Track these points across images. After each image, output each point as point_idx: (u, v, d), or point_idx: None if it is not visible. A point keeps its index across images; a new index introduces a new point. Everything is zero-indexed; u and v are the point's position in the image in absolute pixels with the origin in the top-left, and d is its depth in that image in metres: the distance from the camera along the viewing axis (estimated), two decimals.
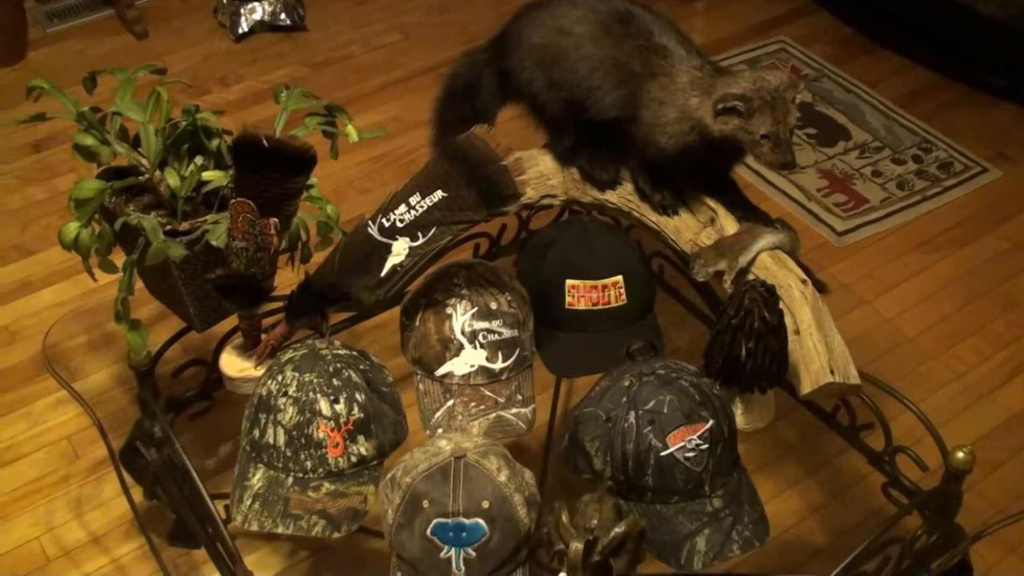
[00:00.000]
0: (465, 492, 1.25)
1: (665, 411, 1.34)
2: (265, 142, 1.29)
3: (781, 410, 1.72)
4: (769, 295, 1.39)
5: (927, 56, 3.10)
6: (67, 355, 2.24)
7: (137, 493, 1.70)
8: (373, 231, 1.42)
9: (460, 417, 1.46)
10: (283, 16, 3.25)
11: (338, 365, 1.41)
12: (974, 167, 2.76)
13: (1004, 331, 2.33)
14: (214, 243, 1.42)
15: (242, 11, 3.21)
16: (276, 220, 1.37)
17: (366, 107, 3.01)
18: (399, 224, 1.41)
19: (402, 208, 1.41)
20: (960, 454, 1.47)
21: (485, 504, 1.25)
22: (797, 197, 2.65)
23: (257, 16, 3.22)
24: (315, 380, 1.38)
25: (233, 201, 1.36)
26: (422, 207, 1.41)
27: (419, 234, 1.41)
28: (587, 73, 1.61)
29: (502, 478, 1.27)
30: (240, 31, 3.22)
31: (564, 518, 1.24)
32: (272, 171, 1.33)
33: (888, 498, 1.69)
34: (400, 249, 1.41)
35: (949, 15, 3.00)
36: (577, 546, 1.19)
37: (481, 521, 1.25)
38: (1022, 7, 2.85)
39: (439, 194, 1.40)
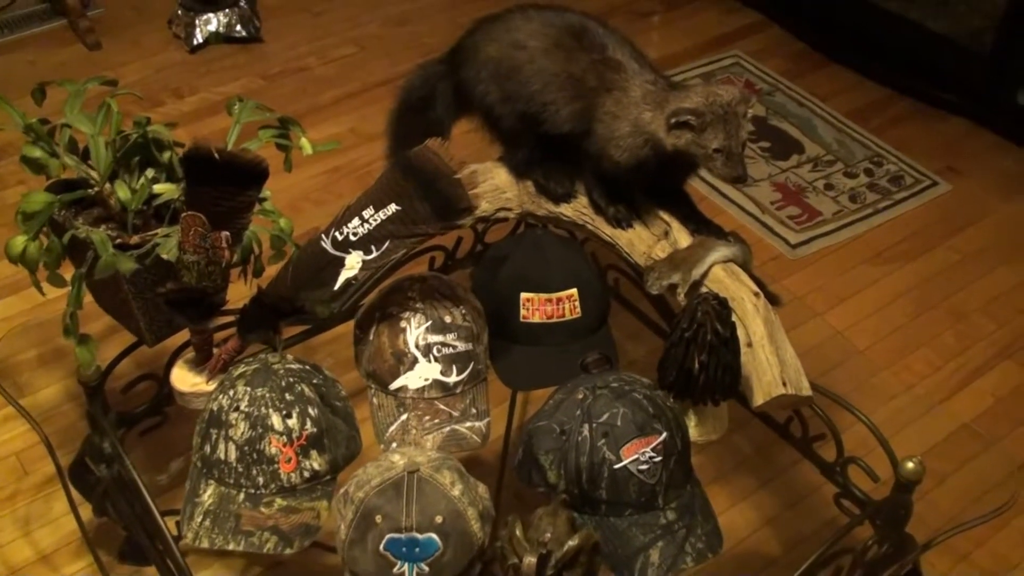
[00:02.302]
0: (418, 507, 1.25)
1: (619, 424, 1.34)
2: (216, 155, 1.27)
3: (736, 422, 1.73)
4: (722, 308, 1.40)
5: (878, 71, 3.15)
6: (16, 370, 2.20)
7: (87, 510, 1.68)
8: (326, 245, 1.41)
9: (414, 431, 1.45)
10: (239, 28, 3.23)
11: (291, 379, 1.39)
12: (924, 180, 2.80)
13: (953, 342, 2.36)
14: (165, 257, 1.41)
15: (197, 22, 3.18)
16: (228, 233, 1.36)
17: (322, 119, 3.00)
18: (352, 238, 1.41)
19: (355, 222, 1.40)
20: (910, 464, 1.49)
21: (438, 519, 1.25)
22: (751, 210, 2.67)
23: (212, 27, 3.20)
24: (267, 395, 1.37)
25: (184, 214, 1.35)
26: (375, 221, 1.40)
27: (373, 248, 1.41)
28: (541, 87, 1.62)
29: (456, 492, 1.27)
30: (195, 42, 3.20)
31: (518, 532, 1.23)
32: (223, 184, 1.32)
33: (840, 508, 1.71)
34: (353, 263, 1.40)
35: (900, 31, 3.06)
36: (530, 560, 1.18)
37: (434, 536, 1.24)
38: (971, 24, 2.90)
39: (392, 207, 1.40)
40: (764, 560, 1.90)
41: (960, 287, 2.50)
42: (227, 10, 3.20)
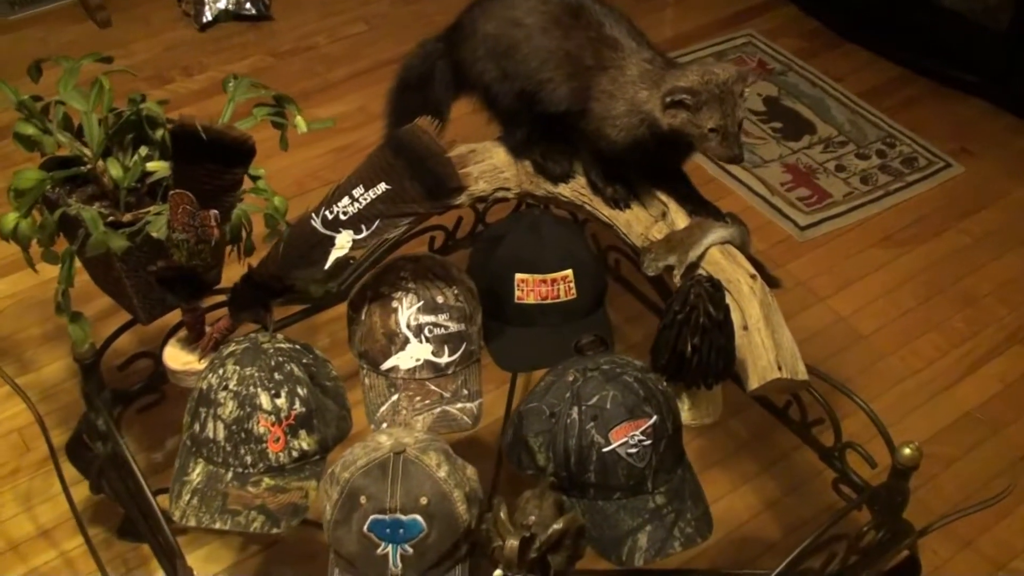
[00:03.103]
0: (403, 488, 1.24)
1: (608, 407, 1.33)
2: (202, 132, 1.26)
3: (737, 405, 1.72)
4: (714, 290, 1.38)
5: (893, 51, 3.10)
6: (21, 346, 2.22)
7: (84, 488, 1.69)
8: (316, 223, 1.40)
9: (404, 411, 1.45)
10: (248, 5, 3.22)
11: (280, 359, 1.39)
12: (938, 162, 2.76)
13: (962, 327, 2.33)
14: (155, 235, 1.40)
15: (206, 0, 3.17)
16: (216, 212, 1.35)
17: (331, 98, 2.99)
18: (342, 217, 1.40)
19: (345, 200, 1.39)
20: (907, 450, 1.47)
21: (423, 500, 1.24)
22: (760, 191, 2.64)
23: (221, 5, 3.19)
24: (256, 374, 1.37)
25: (172, 192, 1.34)
26: (365, 200, 1.39)
27: (363, 227, 1.40)
28: (538, 65, 1.60)
29: (442, 474, 1.26)
30: (204, 20, 3.19)
31: (502, 514, 1.23)
32: (210, 162, 1.31)
33: (839, 494, 1.69)
34: (344, 242, 1.39)
35: (914, 9, 3.01)
36: (512, 543, 1.18)
37: (419, 517, 1.24)
38: (987, 1, 2.85)
39: (382, 187, 1.39)
40: (763, 544, 1.89)
41: (971, 271, 2.47)
42: None
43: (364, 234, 1.40)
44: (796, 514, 1.93)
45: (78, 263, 1.51)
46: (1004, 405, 2.17)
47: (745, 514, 1.94)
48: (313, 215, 1.41)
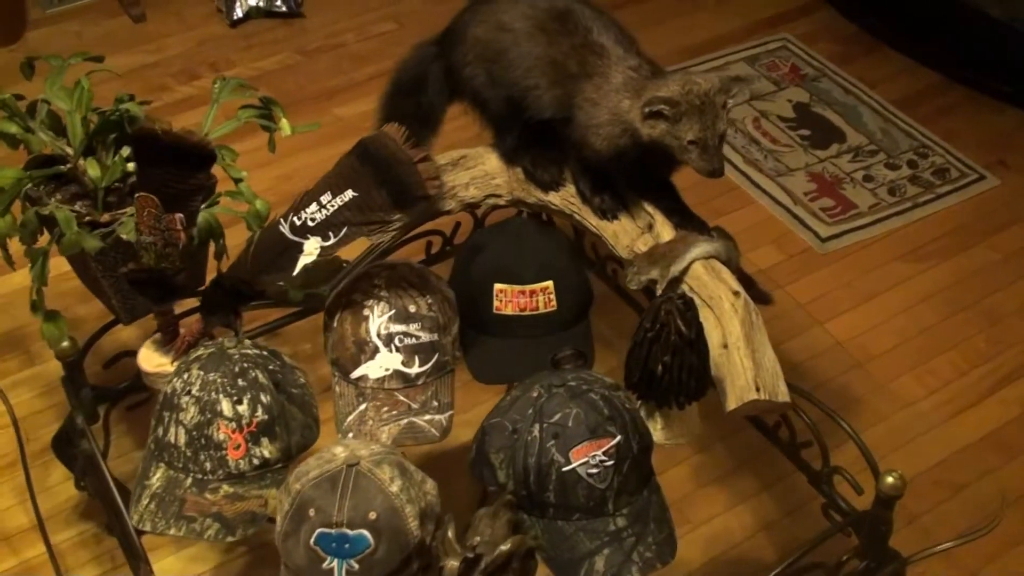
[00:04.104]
0: (352, 502, 1.22)
1: (570, 425, 1.29)
2: (162, 136, 1.26)
3: (738, 423, 1.67)
4: (686, 308, 1.34)
5: (932, 57, 3.00)
6: (29, 339, 2.24)
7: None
8: (285, 229, 1.39)
9: (371, 422, 1.43)
10: (279, 2, 3.22)
11: (245, 365, 1.38)
12: (971, 174, 2.67)
13: (984, 347, 2.25)
14: (125, 237, 1.40)
15: None
16: (181, 216, 1.35)
17: (356, 96, 2.98)
18: (310, 223, 1.38)
19: (313, 207, 1.38)
20: (889, 479, 1.41)
21: (372, 515, 1.22)
22: (783, 200, 2.58)
23: (252, 1, 3.20)
24: (219, 380, 1.36)
25: (137, 196, 1.34)
26: (333, 206, 1.37)
27: (330, 234, 1.38)
28: (523, 72, 1.57)
29: (394, 488, 1.24)
30: (235, 16, 3.20)
31: (450, 533, 1.20)
32: (171, 166, 1.30)
33: (828, 519, 1.64)
34: (311, 248, 1.38)
35: (956, 16, 2.91)
36: (452, 564, 1.15)
37: (366, 532, 1.21)
38: None
39: (349, 193, 1.37)
40: (757, 566, 1.84)
41: (997, 288, 2.38)
42: None
43: (332, 241, 1.38)
44: (792, 537, 1.88)
45: (63, 261, 1.52)
46: (1022, 430, 2.08)
47: (740, 534, 1.89)
48: (281, 221, 1.40)
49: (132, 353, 1.71)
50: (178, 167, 1.32)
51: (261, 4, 3.21)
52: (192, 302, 1.58)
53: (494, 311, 1.56)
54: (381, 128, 1.39)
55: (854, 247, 2.48)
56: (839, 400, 2.07)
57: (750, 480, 1.96)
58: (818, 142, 2.76)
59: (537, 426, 1.30)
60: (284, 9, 3.23)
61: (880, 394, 2.14)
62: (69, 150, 1.52)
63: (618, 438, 1.30)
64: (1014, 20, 2.81)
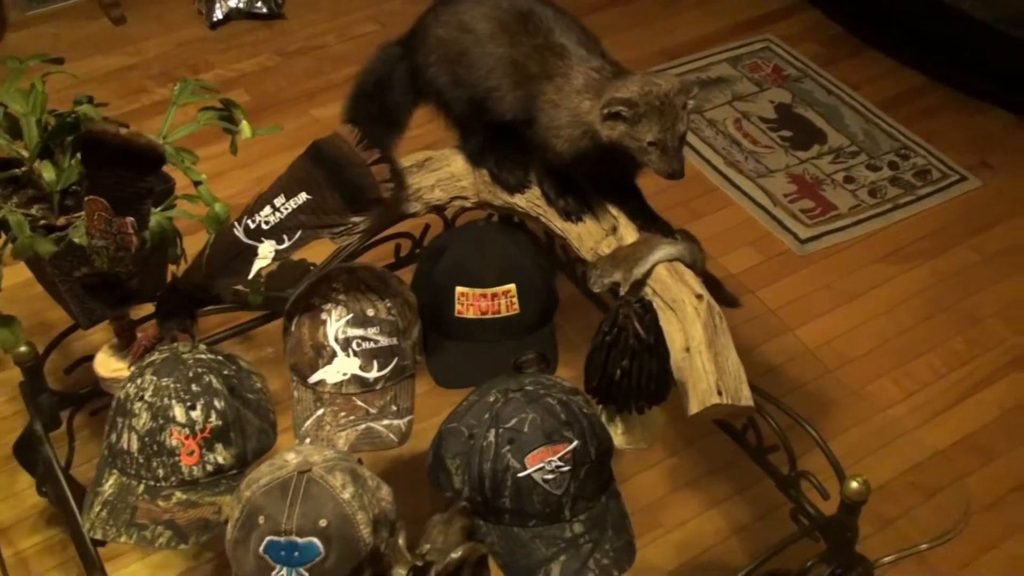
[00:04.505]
0: (302, 509, 1.20)
1: (526, 430, 1.27)
2: (110, 138, 1.24)
3: (709, 426, 1.65)
4: (644, 312, 1.32)
5: (915, 58, 2.99)
6: None
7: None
8: (239, 233, 1.37)
9: (328, 427, 1.41)
10: (259, 3, 3.21)
11: (199, 370, 1.36)
12: (952, 175, 2.65)
13: (963, 349, 2.23)
14: (77, 241, 1.38)
15: None
16: (132, 219, 1.33)
17: (335, 97, 2.90)
18: (264, 226, 1.37)
19: (267, 210, 1.36)
20: (854, 484, 1.40)
21: (322, 523, 1.20)
22: (762, 202, 2.56)
23: (233, 3, 3.18)
24: (172, 385, 1.34)
25: (86, 199, 1.32)
26: (287, 209, 1.36)
27: (285, 237, 1.36)
28: (485, 73, 1.55)
29: (345, 495, 1.22)
30: (215, 18, 3.18)
31: (400, 540, 1.18)
32: (121, 169, 1.28)
33: (797, 524, 1.61)
34: (266, 252, 1.36)
35: (937, 16, 2.89)
36: (400, 572, 1.13)
37: (316, 540, 1.19)
38: (1009, 8, 2.73)
39: (303, 196, 1.35)
40: (728, 570, 1.82)
41: (977, 290, 2.36)
42: None
43: (286, 244, 1.36)
44: (765, 541, 1.84)
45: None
46: (999, 433, 2.07)
47: (713, 538, 1.87)
48: (236, 224, 1.38)
49: (92, 358, 1.70)
50: (128, 169, 1.30)
51: (241, 6, 3.20)
52: (150, 307, 1.56)
53: (456, 315, 1.54)
54: (334, 130, 1.36)
55: (833, 249, 2.46)
56: (814, 404, 2.06)
57: (723, 484, 1.94)
58: (799, 143, 2.74)
59: (493, 431, 1.28)
60: (264, 11, 3.22)
61: (857, 397, 2.12)
62: (25, 153, 1.51)
63: (575, 443, 1.28)
64: (997, 20, 2.79)
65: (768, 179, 2.63)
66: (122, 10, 3.25)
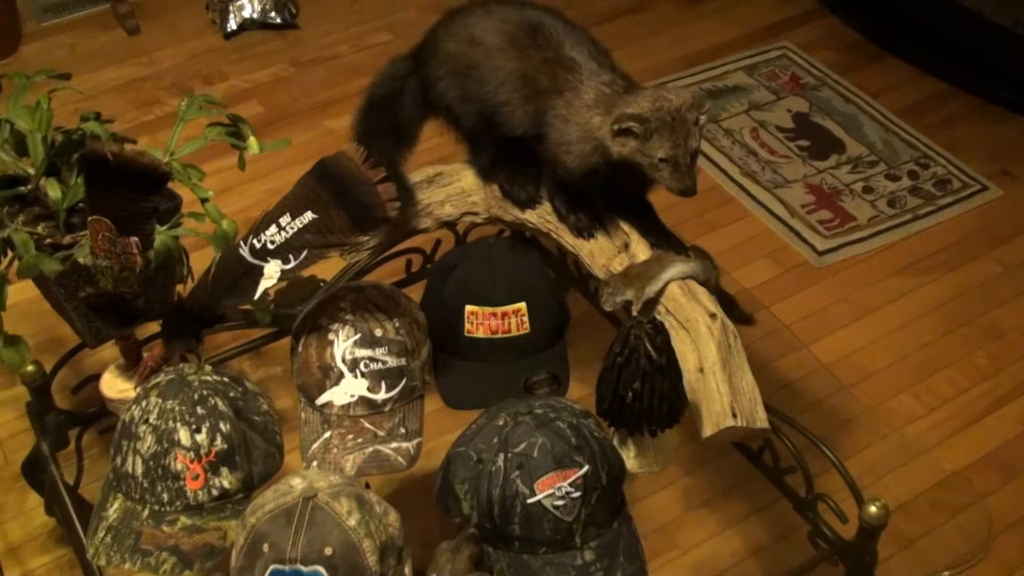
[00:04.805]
0: (307, 537, 1.18)
1: (535, 455, 1.25)
2: (111, 159, 1.22)
3: (727, 445, 1.61)
4: (656, 332, 1.30)
5: (934, 65, 2.94)
6: None
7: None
8: (244, 252, 1.35)
9: (336, 450, 1.38)
10: (273, 14, 3.20)
11: (204, 392, 1.34)
12: (973, 185, 2.61)
13: (985, 363, 2.19)
14: (81, 261, 1.36)
15: (231, 8, 3.16)
16: (137, 239, 1.31)
17: (349, 108, 2.86)
18: (270, 246, 1.34)
19: (272, 229, 1.34)
20: (873, 508, 1.36)
21: (328, 551, 1.17)
22: (779, 213, 2.52)
23: (247, 13, 3.17)
24: (177, 408, 1.32)
25: (90, 219, 1.30)
26: (292, 229, 1.33)
27: (291, 257, 1.34)
28: (495, 87, 1.52)
29: (351, 522, 1.20)
30: (229, 28, 3.17)
31: (407, 569, 1.16)
32: (124, 189, 1.26)
33: (815, 547, 1.58)
34: (272, 272, 1.34)
35: (956, 22, 2.85)
36: None
37: (321, 569, 1.17)
38: None
39: (309, 216, 1.33)
40: None
41: (999, 303, 2.32)
42: None
43: (292, 264, 1.34)
44: (782, 562, 1.82)
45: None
46: (1023, 451, 2.02)
47: (729, 559, 1.84)
48: (241, 243, 1.36)
49: (99, 377, 1.68)
50: (131, 189, 1.28)
51: (255, 16, 3.18)
52: (156, 326, 1.54)
53: (465, 334, 1.52)
54: (340, 148, 1.34)
55: (851, 261, 2.43)
56: (831, 422, 2.02)
57: (739, 504, 1.91)
58: (817, 153, 2.71)
59: (502, 456, 1.26)
60: (279, 21, 3.21)
61: (875, 414, 2.08)
62: (31, 170, 1.49)
63: (585, 468, 1.26)
64: (1018, 26, 2.75)
65: (785, 189, 2.59)
66: (136, 21, 3.24)
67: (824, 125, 2.79)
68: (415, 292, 1.88)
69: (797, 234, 2.47)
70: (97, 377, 1.68)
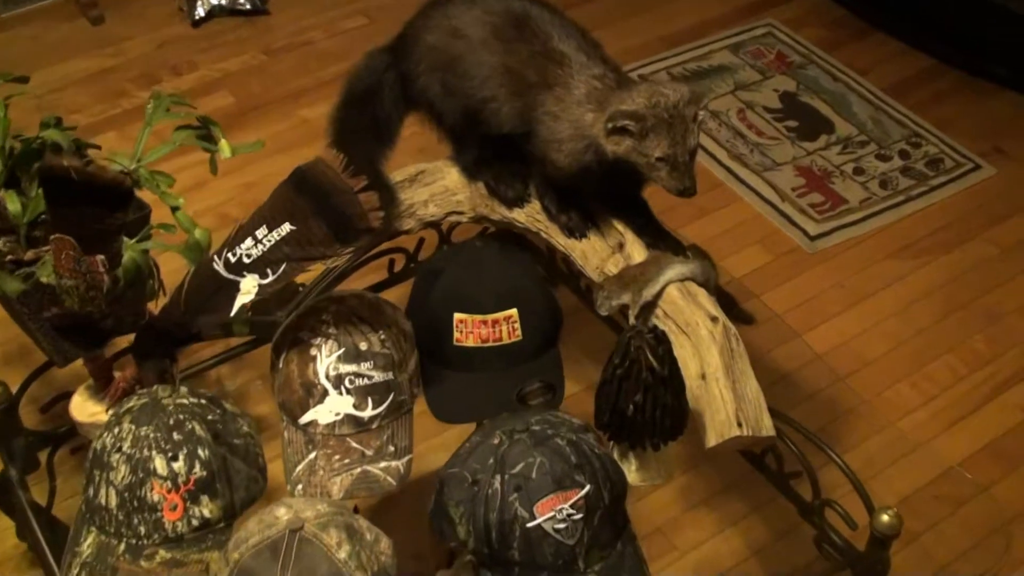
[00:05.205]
0: (295, 572, 1.11)
1: (534, 476, 1.18)
2: (73, 175, 1.14)
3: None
4: (657, 343, 1.23)
5: (923, 40, 2.88)
6: None
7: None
8: (219, 267, 1.27)
9: (322, 472, 1.31)
10: (242, 0, 3.09)
11: (180, 416, 1.26)
12: (966, 164, 2.55)
13: (983, 348, 2.14)
14: (44, 280, 1.28)
15: None
16: (103, 257, 1.23)
17: (324, 96, 2.81)
18: (246, 260, 1.26)
19: (248, 242, 1.26)
20: (884, 517, 1.31)
21: None
22: (769, 197, 2.46)
23: (214, 0, 3.07)
24: (152, 434, 1.24)
25: (52, 238, 1.22)
26: (270, 241, 1.26)
27: (268, 271, 1.26)
28: (480, 82, 1.45)
29: (341, 555, 1.13)
30: (197, 16, 3.07)
31: None
32: (87, 206, 1.18)
33: (821, 552, 1.53)
34: (249, 287, 1.26)
35: None
36: None
37: None
38: None
39: (287, 227, 1.25)
40: None
41: (996, 284, 2.27)
42: None
43: (270, 278, 1.26)
44: (785, 562, 1.77)
45: None
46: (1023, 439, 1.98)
47: (730, 559, 1.79)
48: (215, 258, 1.28)
49: (70, 394, 1.60)
50: (95, 205, 1.20)
51: (224, 2, 3.08)
52: (127, 340, 1.46)
53: (454, 343, 1.44)
54: (318, 156, 1.26)
55: (845, 245, 2.37)
56: (827, 414, 1.97)
57: (739, 502, 1.86)
58: (806, 133, 2.64)
59: (498, 477, 1.19)
60: (248, 7, 3.10)
61: (873, 405, 2.03)
62: None
63: (587, 488, 1.19)
64: None
65: (775, 172, 2.53)
66: (100, 10, 3.13)
67: (812, 104, 2.73)
68: (398, 292, 1.81)
69: (788, 219, 2.41)
70: (69, 394, 1.59)
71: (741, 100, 2.74)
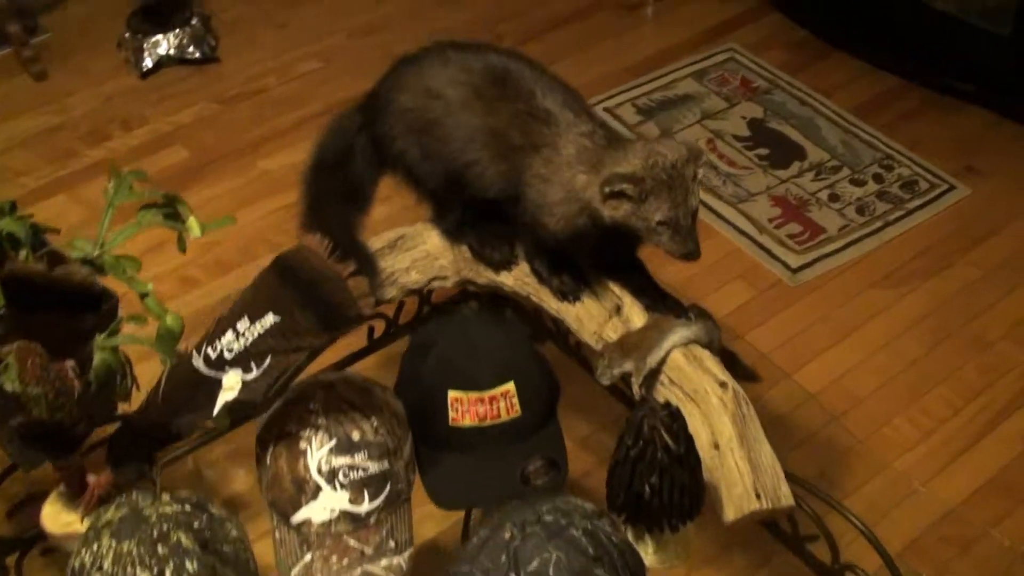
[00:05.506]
0: None
1: (551, 573, 1.10)
2: (37, 280, 1.05)
3: None
4: (672, 420, 1.16)
5: (887, 59, 2.85)
6: None
7: None
8: (199, 363, 1.19)
9: (319, 575, 1.23)
10: (191, 48, 2.99)
11: (164, 527, 1.17)
12: (940, 184, 2.52)
13: (975, 377, 2.10)
14: (8, 388, 1.18)
15: (145, 46, 2.95)
16: (73, 363, 1.13)
17: (282, 146, 2.76)
18: (227, 355, 1.18)
19: (229, 336, 1.18)
20: None
21: None
22: (747, 230, 2.41)
23: (162, 50, 2.97)
24: (135, 549, 1.15)
25: (17, 345, 1.12)
26: (253, 334, 1.17)
27: (253, 365, 1.18)
28: (461, 145, 1.38)
29: None
30: (145, 67, 2.96)
31: None
32: (56, 310, 1.09)
33: None
34: (232, 383, 1.18)
35: (904, 13, 2.76)
36: None
37: None
38: (977, 2, 2.60)
39: (270, 318, 1.17)
40: None
41: (982, 309, 2.23)
42: (177, 31, 2.97)
43: (255, 373, 1.18)
44: None
45: None
46: None
47: None
48: (195, 353, 1.20)
49: (41, 496, 1.49)
50: (62, 310, 1.10)
51: (172, 52, 2.98)
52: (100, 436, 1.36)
53: (450, 423, 1.37)
54: (299, 242, 1.18)
55: (827, 276, 2.32)
56: (824, 458, 1.92)
57: (744, 558, 1.78)
58: (778, 161, 2.60)
59: None
60: (198, 55, 3.00)
61: (870, 444, 1.98)
62: None
63: None
64: (966, 14, 2.67)
65: (750, 203, 2.48)
66: (43, 65, 3.01)
67: (781, 130, 2.69)
68: (377, 360, 1.73)
69: (768, 251, 2.36)
70: (37, 496, 1.49)
71: (709, 129, 2.69)
